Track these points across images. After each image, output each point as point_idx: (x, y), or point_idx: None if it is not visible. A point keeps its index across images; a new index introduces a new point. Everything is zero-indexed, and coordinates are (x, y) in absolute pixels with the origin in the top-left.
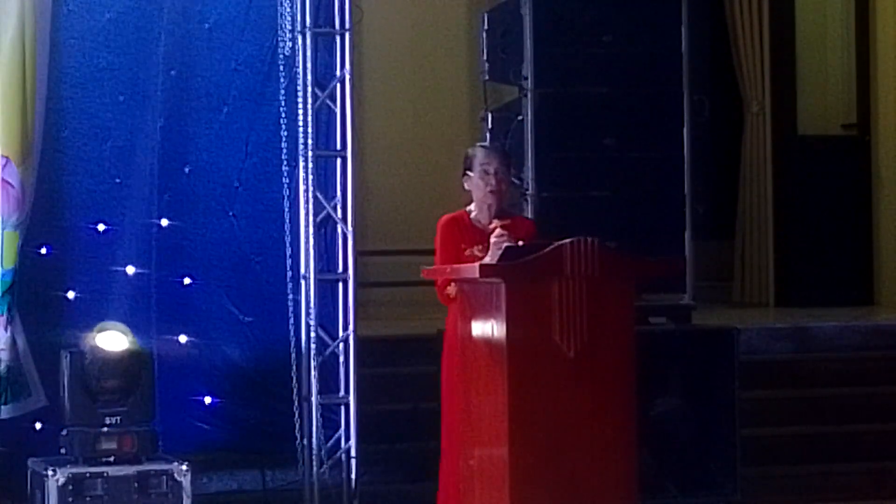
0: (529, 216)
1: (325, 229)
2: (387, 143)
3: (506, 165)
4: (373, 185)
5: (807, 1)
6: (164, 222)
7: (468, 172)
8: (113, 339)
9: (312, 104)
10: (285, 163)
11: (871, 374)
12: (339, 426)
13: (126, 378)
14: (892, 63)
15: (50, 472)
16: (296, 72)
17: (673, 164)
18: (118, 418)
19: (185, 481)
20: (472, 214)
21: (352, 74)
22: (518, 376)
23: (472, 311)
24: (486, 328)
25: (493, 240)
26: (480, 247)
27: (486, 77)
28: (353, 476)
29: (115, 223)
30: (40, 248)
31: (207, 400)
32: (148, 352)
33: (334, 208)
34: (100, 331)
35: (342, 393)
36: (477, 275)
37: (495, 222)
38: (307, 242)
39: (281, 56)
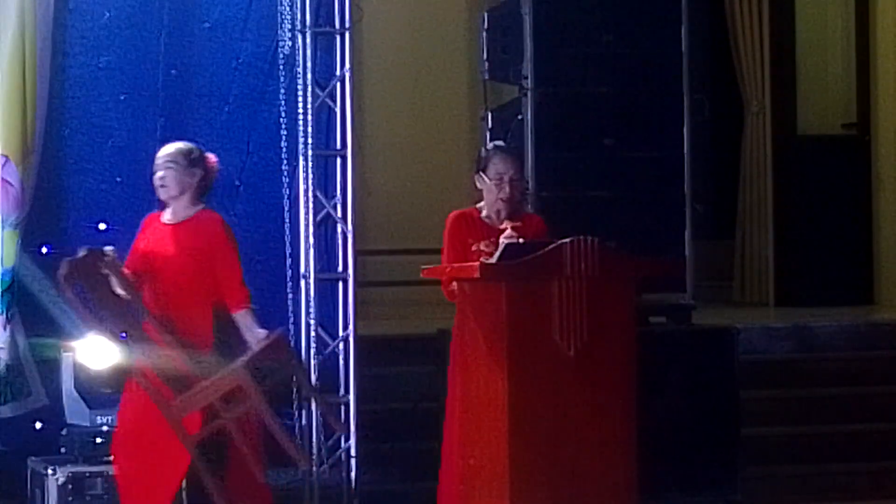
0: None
1: (325, 229)
2: (387, 142)
3: (521, 171)
4: (373, 185)
5: (807, 1)
6: None
7: (482, 172)
8: (97, 355)
9: (312, 103)
10: (285, 162)
11: (871, 374)
12: None
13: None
14: (892, 63)
15: (50, 472)
16: (296, 71)
17: (673, 164)
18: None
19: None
20: (483, 213)
21: (352, 74)
22: (518, 376)
23: (473, 310)
24: (487, 327)
25: (502, 240)
26: (487, 241)
27: (486, 77)
28: (353, 475)
29: (115, 222)
30: (41, 247)
31: None
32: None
33: (334, 208)
34: (85, 343)
35: (342, 392)
36: (477, 274)
37: (506, 223)
38: (307, 242)
39: (281, 55)
